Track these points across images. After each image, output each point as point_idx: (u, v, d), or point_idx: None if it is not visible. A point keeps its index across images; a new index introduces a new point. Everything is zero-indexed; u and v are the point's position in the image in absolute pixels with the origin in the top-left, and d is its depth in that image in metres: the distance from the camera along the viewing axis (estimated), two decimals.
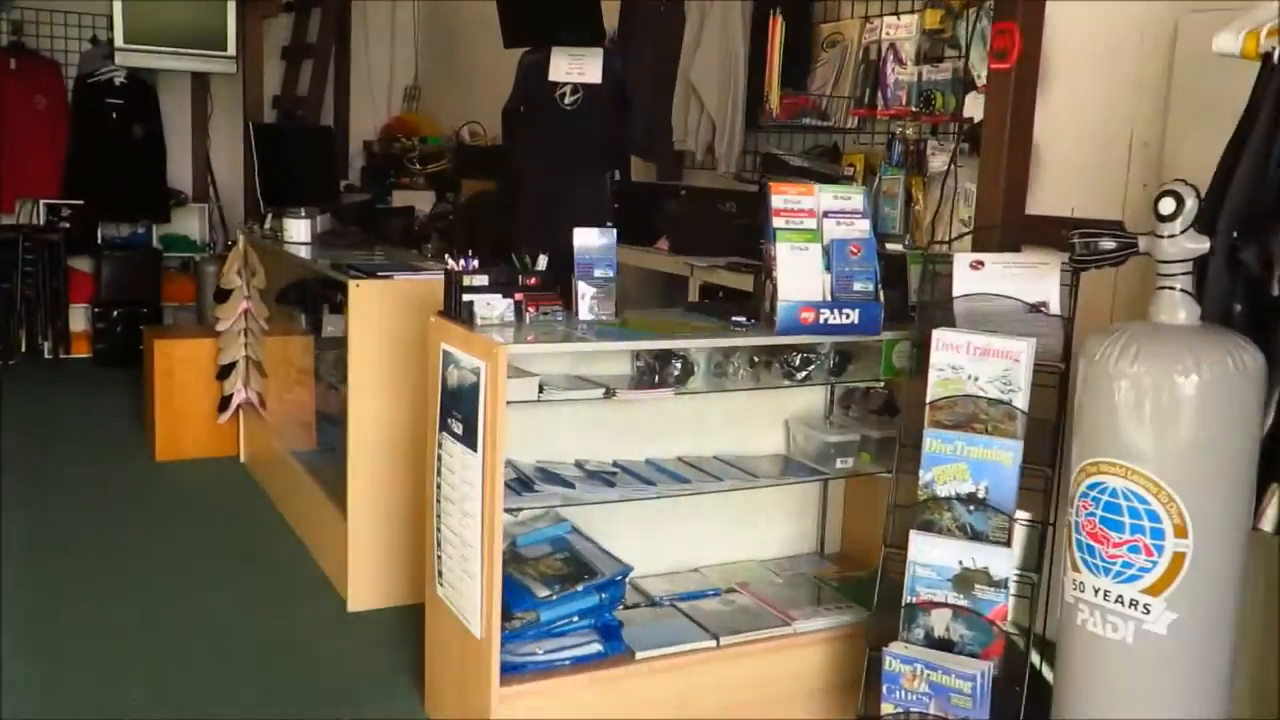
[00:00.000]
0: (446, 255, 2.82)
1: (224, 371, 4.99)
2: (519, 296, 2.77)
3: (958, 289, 2.75)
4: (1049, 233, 3.32)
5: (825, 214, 2.89)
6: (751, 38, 4.33)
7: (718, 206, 4.75)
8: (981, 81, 3.59)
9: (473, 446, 2.56)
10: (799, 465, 3.24)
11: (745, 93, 4.33)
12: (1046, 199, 3.46)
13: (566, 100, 4.80)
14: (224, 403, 5.04)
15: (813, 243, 2.83)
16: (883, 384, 3.25)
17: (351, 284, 3.43)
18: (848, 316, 2.80)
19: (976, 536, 2.65)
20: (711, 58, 4.38)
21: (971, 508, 2.65)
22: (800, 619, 2.98)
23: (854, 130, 4.20)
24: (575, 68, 4.79)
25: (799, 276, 2.81)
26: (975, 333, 2.64)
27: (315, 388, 4.38)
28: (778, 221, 2.85)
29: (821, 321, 2.79)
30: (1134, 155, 3.32)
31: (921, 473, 2.69)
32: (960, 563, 2.62)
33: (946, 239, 3.37)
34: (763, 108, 4.32)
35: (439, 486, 2.77)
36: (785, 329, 2.78)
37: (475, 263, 2.78)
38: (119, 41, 6.82)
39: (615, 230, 2.94)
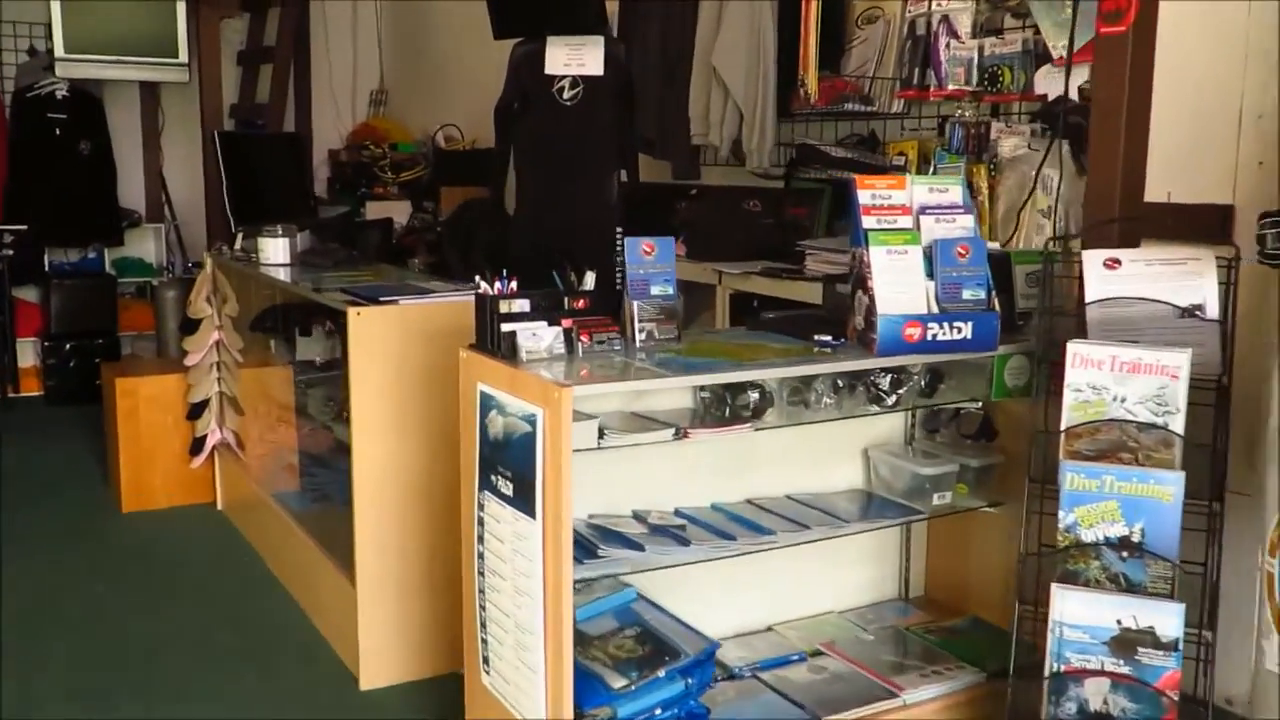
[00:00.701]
0: (478, 277, 2.35)
1: (195, 410, 4.48)
2: (568, 323, 2.30)
3: (1091, 293, 2.32)
4: (1154, 222, 2.91)
5: (921, 210, 2.45)
6: (779, 15, 3.88)
7: (741, 205, 4.30)
8: (1058, 54, 3.18)
9: (528, 511, 2.09)
10: (883, 501, 2.80)
11: (776, 78, 3.88)
12: None
13: (566, 95, 4.33)
14: (196, 445, 4.52)
15: (912, 245, 2.39)
16: (979, 404, 2.81)
17: (351, 312, 2.94)
18: (959, 330, 2.36)
19: (1131, 588, 2.22)
20: (736, 39, 3.92)
21: (1125, 554, 2.22)
22: (908, 687, 2.54)
23: (897, 115, 3.77)
24: (574, 58, 4.32)
25: (899, 286, 2.36)
26: (1123, 345, 2.21)
27: (300, 425, 3.89)
28: (868, 221, 2.41)
29: (929, 338, 2.35)
30: (1245, 130, 2.92)
31: (1061, 514, 2.25)
32: (1119, 622, 2.18)
33: (1055, 235, 2.94)
34: (794, 94, 3.88)
35: (481, 556, 2.30)
36: (888, 348, 2.33)
37: (512, 284, 2.31)
38: (59, 51, 6.30)
39: (673, 238, 2.49)
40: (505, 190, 4.58)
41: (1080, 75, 3.19)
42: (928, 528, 3.06)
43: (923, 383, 2.66)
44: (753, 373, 2.28)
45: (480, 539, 2.29)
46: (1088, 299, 2.32)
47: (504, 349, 2.24)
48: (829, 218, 4.03)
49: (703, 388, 2.47)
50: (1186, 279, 2.29)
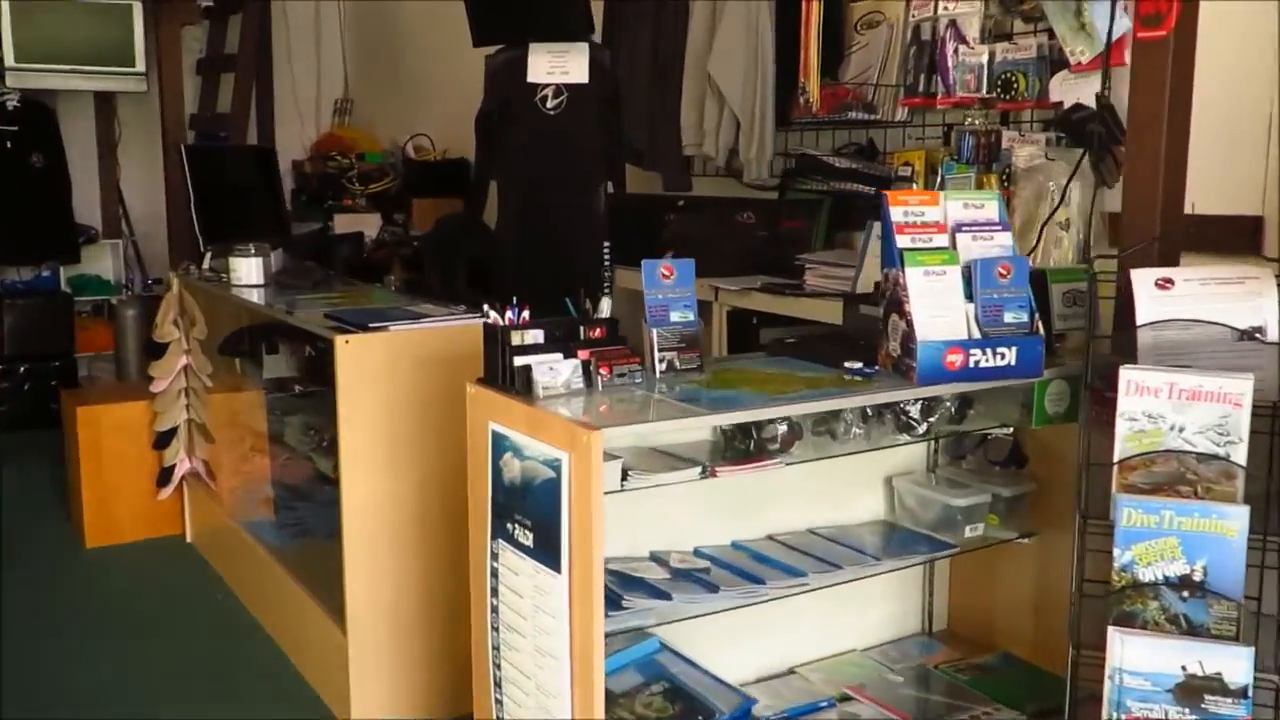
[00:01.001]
0: (486, 305, 2.17)
1: (163, 439, 4.25)
2: (585, 354, 2.13)
3: (1142, 314, 2.18)
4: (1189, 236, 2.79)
5: (957, 227, 2.30)
6: (775, 20, 3.73)
7: (733, 218, 4.15)
8: (1075, 60, 3.05)
9: (552, 565, 1.91)
10: (909, 534, 2.65)
11: (775, 85, 3.72)
12: None
13: (549, 104, 4.14)
14: (164, 475, 4.29)
15: (950, 265, 2.24)
16: (1009, 430, 2.67)
17: (339, 340, 2.75)
18: (1002, 357, 2.21)
19: (1193, 630, 2.08)
20: (733, 44, 3.75)
21: (1185, 594, 2.08)
22: None
23: (901, 124, 3.63)
24: (558, 66, 4.13)
25: (937, 309, 2.21)
26: (1183, 371, 2.07)
27: (276, 453, 3.69)
28: (902, 240, 2.25)
29: (972, 365, 2.19)
30: (1275, 135, 2.81)
31: (1116, 551, 2.11)
32: (1183, 668, 2.04)
33: (1094, 254, 2.81)
34: (793, 102, 3.72)
35: (495, 610, 2.12)
36: (929, 377, 2.18)
37: (524, 314, 2.14)
38: (9, 61, 6.00)
39: (693, 260, 2.32)
40: (481, 203, 4.40)
41: (1095, 81, 3.06)
42: (952, 559, 2.91)
43: (952, 409, 2.52)
44: (788, 407, 2.11)
45: (494, 592, 2.11)
46: (1139, 321, 2.17)
47: (519, 385, 2.06)
48: (828, 230, 3.88)
49: None
50: (1244, 299, 2.15)
